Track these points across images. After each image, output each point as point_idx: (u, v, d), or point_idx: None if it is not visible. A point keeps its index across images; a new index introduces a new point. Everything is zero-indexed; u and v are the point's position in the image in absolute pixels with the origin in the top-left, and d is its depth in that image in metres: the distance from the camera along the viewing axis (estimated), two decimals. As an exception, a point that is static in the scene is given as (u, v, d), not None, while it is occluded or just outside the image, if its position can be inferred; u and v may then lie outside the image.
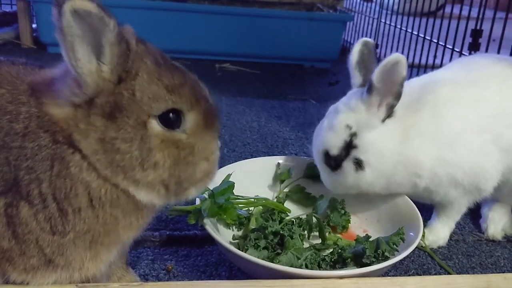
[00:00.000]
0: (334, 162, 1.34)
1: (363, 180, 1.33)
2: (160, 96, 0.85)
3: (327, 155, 1.35)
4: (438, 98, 1.36)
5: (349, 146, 1.31)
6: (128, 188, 0.88)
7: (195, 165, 0.91)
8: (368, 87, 1.28)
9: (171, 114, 0.86)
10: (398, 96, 1.28)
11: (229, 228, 1.35)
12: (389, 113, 1.31)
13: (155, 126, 0.85)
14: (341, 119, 1.33)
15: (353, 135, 1.31)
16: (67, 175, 0.85)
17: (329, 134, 1.34)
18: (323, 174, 1.40)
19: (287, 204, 1.48)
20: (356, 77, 1.41)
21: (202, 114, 0.90)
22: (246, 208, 1.38)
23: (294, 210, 1.47)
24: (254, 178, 1.50)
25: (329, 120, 1.36)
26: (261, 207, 1.40)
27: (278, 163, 1.56)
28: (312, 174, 1.53)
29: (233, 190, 1.34)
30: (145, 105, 0.84)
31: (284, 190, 1.53)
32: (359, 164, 1.32)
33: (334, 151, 1.33)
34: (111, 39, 0.80)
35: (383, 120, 1.32)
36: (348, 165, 1.32)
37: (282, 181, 1.54)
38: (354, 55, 1.41)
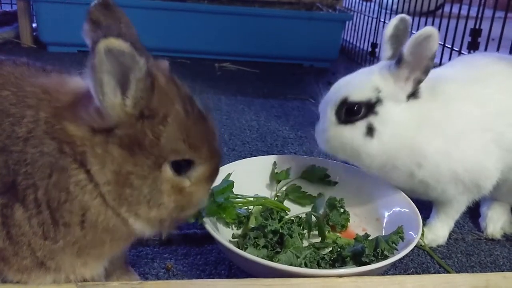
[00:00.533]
0: (346, 114, 1.30)
1: (367, 148, 1.30)
2: (182, 151, 0.88)
3: (343, 104, 1.31)
4: (451, 93, 1.36)
5: (371, 107, 1.29)
6: (127, 219, 0.90)
7: (189, 210, 0.96)
8: (398, 59, 1.27)
9: (183, 162, 0.90)
10: (426, 71, 1.27)
11: (229, 227, 1.36)
12: (415, 89, 1.30)
13: (168, 170, 0.88)
14: (373, 80, 1.31)
15: (379, 100, 1.29)
16: (63, 189, 0.85)
17: (357, 86, 1.32)
18: (327, 126, 1.34)
19: (286, 203, 1.48)
20: (386, 50, 1.40)
21: (209, 169, 0.94)
22: (246, 207, 1.38)
23: (293, 209, 1.47)
24: (253, 177, 1.51)
25: (360, 76, 1.35)
26: (260, 206, 1.40)
27: (274, 162, 1.56)
28: (310, 176, 1.53)
29: (233, 189, 1.34)
30: (165, 152, 0.86)
31: (282, 189, 1.53)
32: (371, 131, 1.29)
33: (354, 102, 1.29)
34: (139, 76, 0.81)
35: (408, 97, 1.30)
36: (360, 126, 1.30)
37: (279, 181, 1.54)
38: (389, 28, 1.39)
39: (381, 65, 1.35)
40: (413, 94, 1.31)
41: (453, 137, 1.32)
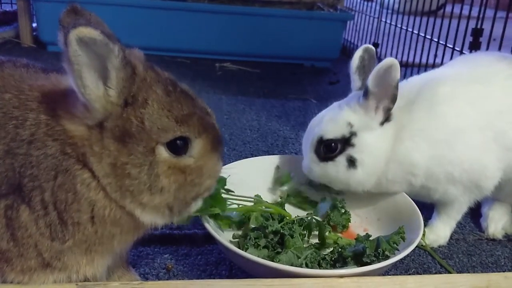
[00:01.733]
0: (325, 152, 1.34)
1: (353, 178, 1.34)
2: (169, 127, 0.87)
3: (320, 143, 1.35)
4: (438, 95, 1.36)
5: (346, 142, 1.33)
6: (133, 211, 0.90)
7: (201, 185, 0.94)
8: (364, 92, 1.30)
9: (178, 141, 0.88)
10: (394, 99, 1.30)
11: (229, 227, 1.35)
12: (387, 116, 1.33)
13: (162, 152, 0.87)
14: (344, 116, 1.34)
15: (353, 134, 1.33)
16: (70, 189, 0.86)
17: (330, 124, 1.35)
18: (310, 164, 1.39)
19: (287, 207, 1.47)
20: (355, 81, 1.44)
21: (208, 140, 0.93)
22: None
23: (294, 213, 1.45)
24: (254, 177, 1.50)
25: (332, 114, 1.37)
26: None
27: (277, 166, 1.56)
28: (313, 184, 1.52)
29: (231, 188, 1.33)
30: (154, 134, 0.86)
31: (284, 190, 1.52)
32: (352, 162, 1.33)
33: (329, 140, 1.33)
34: (116, 64, 0.81)
35: (382, 123, 1.33)
36: (341, 161, 1.33)
37: (282, 184, 1.53)
38: (355, 60, 1.43)
39: (350, 99, 1.38)
40: (386, 119, 1.34)
41: (443, 140, 1.32)
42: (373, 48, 1.45)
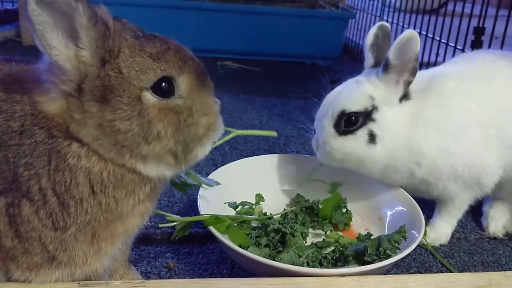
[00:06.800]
0: (345, 125, 1.32)
1: (371, 154, 1.32)
2: (147, 66, 0.85)
3: (341, 117, 1.33)
4: (445, 89, 1.37)
5: (368, 116, 1.32)
6: (135, 166, 0.89)
7: (197, 124, 0.91)
8: (385, 65, 1.30)
9: (163, 84, 0.86)
10: (414, 72, 1.30)
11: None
12: (406, 91, 1.33)
13: (149, 97, 0.85)
14: (365, 89, 1.34)
15: (375, 107, 1.32)
16: (65, 168, 0.85)
17: (351, 97, 1.34)
18: (327, 138, 1.35)
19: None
20: (369, 59, 1.43)
21: (192, 74, 0.90)
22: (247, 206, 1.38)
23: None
24: (255, 176, 1.50)
25: (351, 88, 1.37)
26: (261, 205, 1.41)
27: (280, 165, 1.55)
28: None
29: (232, 188, 1.33)
30: (135, 80, 0.84)
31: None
32: (372, 138, 1.31)
33: (351, 113, 1.32)
34: (83, 23, 0.80)
35: (401, 100, 1.33)
36: (362, 135, 1.32)
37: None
38: (369, 37, 1.42)
39: (367, 74, 1.38)
40: (405, 96, 1.34)
41: (450, 133, 1.33)
42: (388, 26, 1.43)
